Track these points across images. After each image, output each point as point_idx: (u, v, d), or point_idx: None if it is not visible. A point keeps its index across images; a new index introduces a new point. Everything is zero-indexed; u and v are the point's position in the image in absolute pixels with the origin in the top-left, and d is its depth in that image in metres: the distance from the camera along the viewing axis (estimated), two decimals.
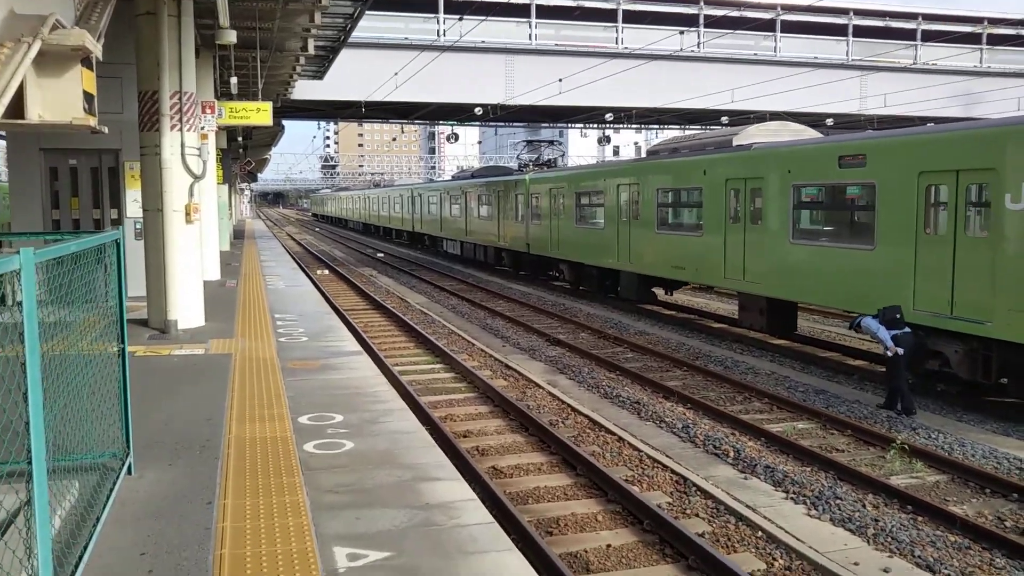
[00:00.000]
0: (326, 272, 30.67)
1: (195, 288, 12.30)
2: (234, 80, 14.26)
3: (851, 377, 13.45)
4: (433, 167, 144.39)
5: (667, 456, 9.20)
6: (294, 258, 30.82)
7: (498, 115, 29.33)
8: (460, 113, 31.54)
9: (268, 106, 14.68)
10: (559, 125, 37.34)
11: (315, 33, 14.63)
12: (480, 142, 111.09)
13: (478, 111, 26.56)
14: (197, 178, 12.11)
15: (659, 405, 11.41)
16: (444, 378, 13.32)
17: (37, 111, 5.64)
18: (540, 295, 23.86)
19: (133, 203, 13.92)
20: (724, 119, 30.12)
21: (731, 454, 9.27)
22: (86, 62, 5.96)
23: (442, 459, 6.73)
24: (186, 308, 11.93)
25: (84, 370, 4.70)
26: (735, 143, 16.68)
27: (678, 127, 38.37)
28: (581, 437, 9.97)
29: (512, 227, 28.52)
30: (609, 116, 29.36)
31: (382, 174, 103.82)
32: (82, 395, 4.61)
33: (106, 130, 5.24)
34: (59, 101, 5.72)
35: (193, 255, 12.30)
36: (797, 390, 12.41)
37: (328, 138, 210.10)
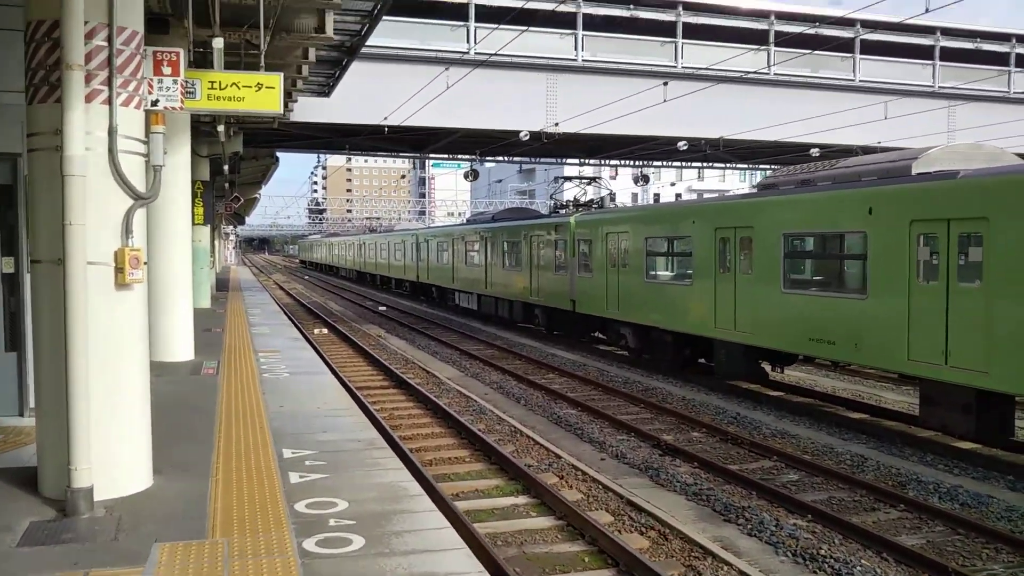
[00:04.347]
0: (324, 331, 25.71)
1: (133, 416, 6.30)
2: (219, 43, 8.57)
3: None
4: (422, 212, 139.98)
5: None
6: (290, 317, 25.77)
7: (538, 145, 24.69)
8: (488, 143, 26.87)
9: (277, 80, 8.43)
10: (612, 161, 32.69)
11: (336, 2, 9.85)
12: (499, 181, 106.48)
13: (524, 136, 21.76)
14: (141, 198, 6.18)
15: None
16: (542, 528, 8.40)
17: None
18: (597, 366, 18.98)
19: None
20: (815, 151, 25.60)
21: None
22: None
23: None
24: (114, 459, 6.06)
25: None
26: (916, 171, 12.04)
27: (724, 166, 33.84)
28: None
29: (550, 279, 23.71)
30: (683, 145, 24.68)
31: (377, 219, 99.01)
32: None
33: None
34: None
35: (132, 349, 6.30)
36: None
37: (316, 183, 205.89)
